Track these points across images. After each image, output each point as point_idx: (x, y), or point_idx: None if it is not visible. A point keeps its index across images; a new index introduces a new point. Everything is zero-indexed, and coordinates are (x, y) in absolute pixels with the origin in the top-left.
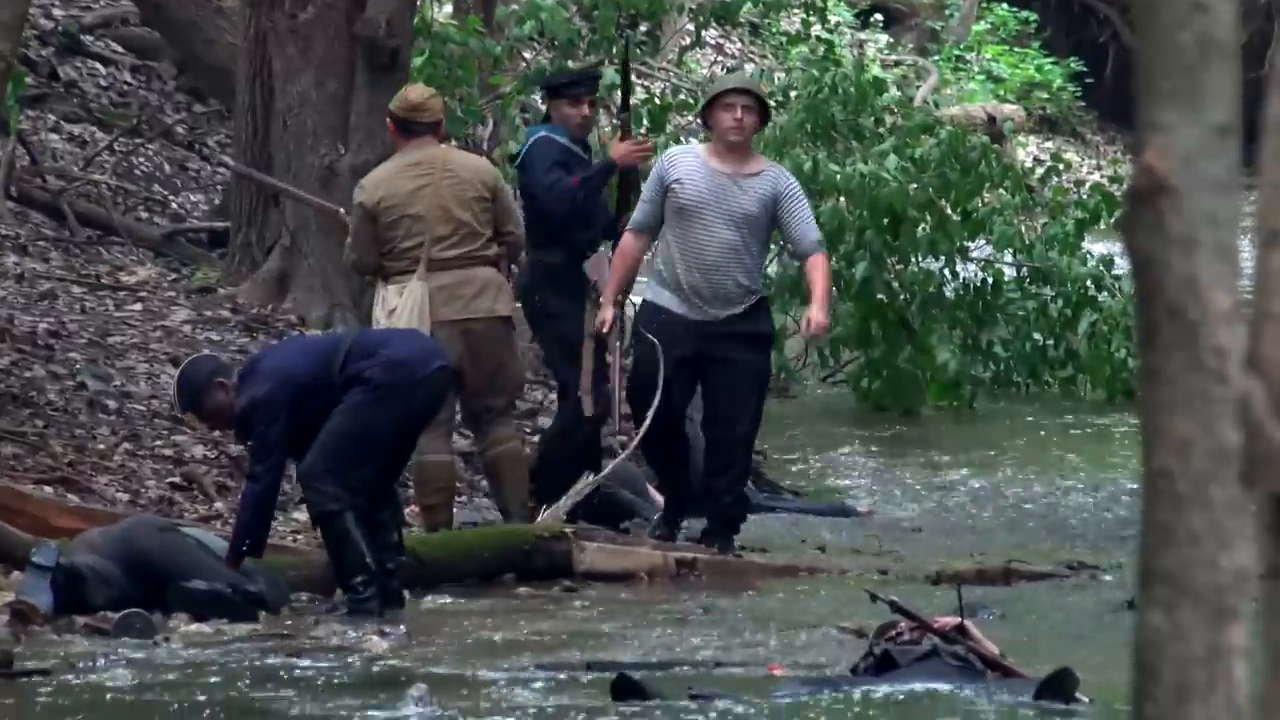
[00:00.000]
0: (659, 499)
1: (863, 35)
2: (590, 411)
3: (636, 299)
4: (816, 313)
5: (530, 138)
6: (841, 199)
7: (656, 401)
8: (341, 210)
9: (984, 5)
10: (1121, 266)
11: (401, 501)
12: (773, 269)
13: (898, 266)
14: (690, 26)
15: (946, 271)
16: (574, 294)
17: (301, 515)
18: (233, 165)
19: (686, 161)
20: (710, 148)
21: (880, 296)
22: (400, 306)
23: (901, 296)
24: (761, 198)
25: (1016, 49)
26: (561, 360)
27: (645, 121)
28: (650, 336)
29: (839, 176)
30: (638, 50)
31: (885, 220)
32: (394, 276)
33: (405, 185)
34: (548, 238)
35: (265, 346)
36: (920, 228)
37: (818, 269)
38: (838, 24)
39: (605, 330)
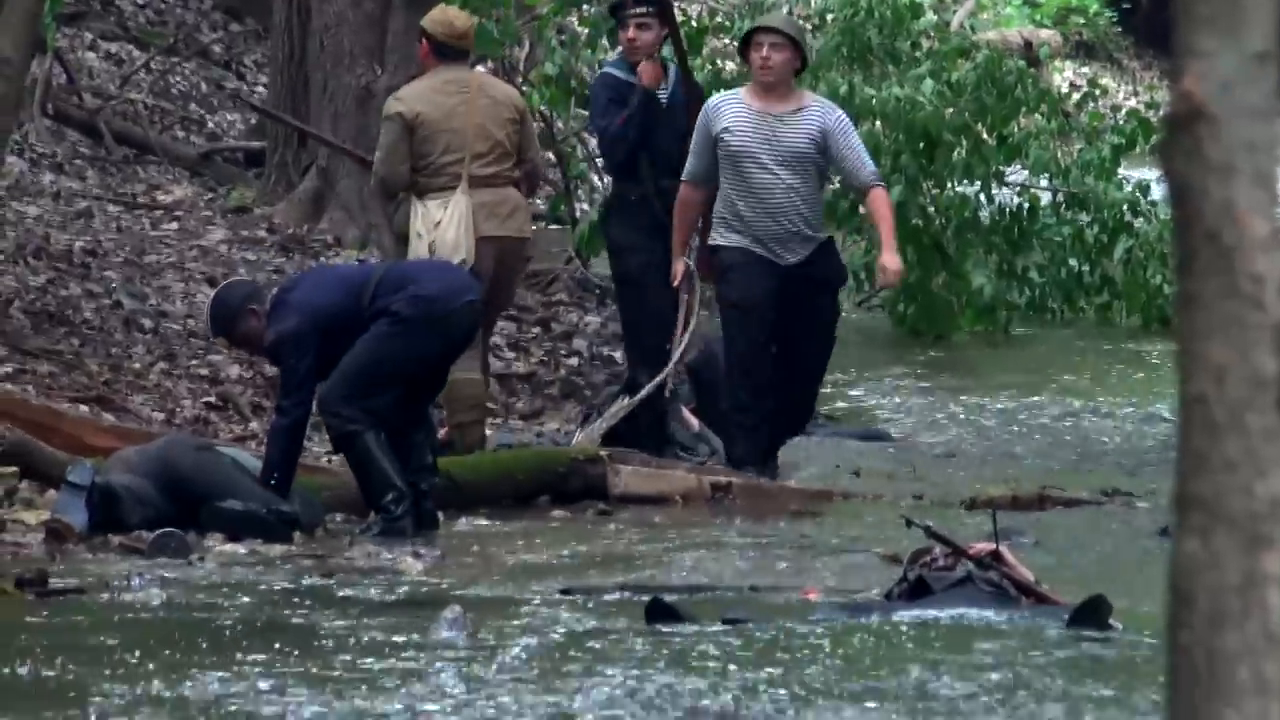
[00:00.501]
0: (693, 422)
1: None
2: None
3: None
4: (889, 258)
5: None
6: (877, 123)
7: (684, 334)
8: (367, 156)
9: None
10: (1158, 192)
11: (435, 424)
12: None
13: (933, 191)
14: None
15: (982, 196)
16: (640, 228)
17: None
18: (259, 108)
19: (730, 108)
20: (750, 89)
21: (915, 221)
22: (446, 219)
23: (937, 221)
24: (809, 134)
25: None
26: (626, 302)
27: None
28: (698, 282)
29: (875, 100)
30: None
31: (921, 144)
32: (432, 193)
33: (444, 101)
34: (619, 171)
35: (300, 270)
36: (956, 152)
37: (880, 206)
38: None
39: (676, 283)
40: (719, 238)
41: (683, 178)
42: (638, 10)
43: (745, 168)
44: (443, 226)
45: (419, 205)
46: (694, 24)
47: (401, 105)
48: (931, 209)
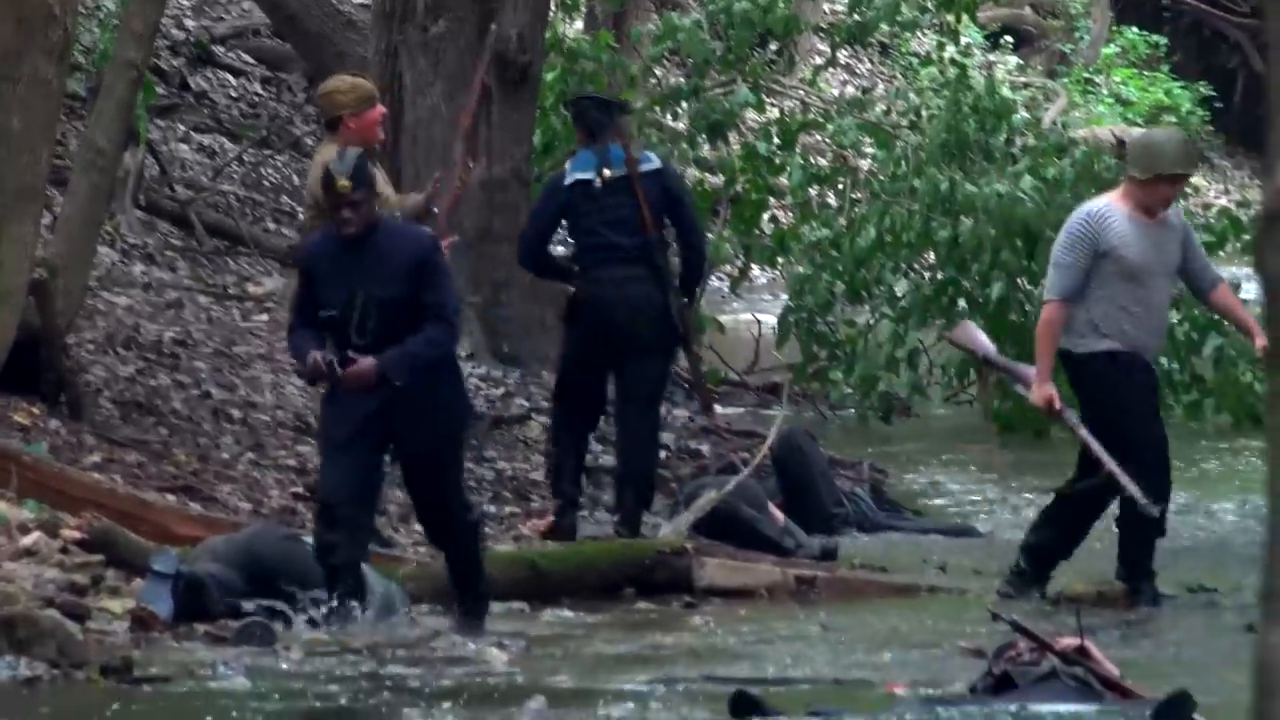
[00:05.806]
0: (779, 516)
1: (992, 57)
2: None
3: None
4: (1262, 339)
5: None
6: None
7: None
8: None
9: (1114, 29)
10: (1249, 290)
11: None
12: (901, 287)
13: (1031, 286)
14: (824, 46)
15: None
16: None
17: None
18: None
19: (1118, 223)
20: (1129, 205)
21: (1015, 317)
22: None
23: (1035, 316)
24: (1179, 241)
25: (1145, 73)
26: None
27: (775, 139)
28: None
29: (976, 197)
30: (767, 68)
31: (1020, 240)
32: None
33: None
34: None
35: None
36: None
37: (1232, 298)
38: (968, 45)
39: (1058, 408)
40: (1087, 346)
41: (1061, 296)
42: None
43: (1137, 283)
44: None
45: None
46: (787, 120)
47: None
48: (1029, 304)
